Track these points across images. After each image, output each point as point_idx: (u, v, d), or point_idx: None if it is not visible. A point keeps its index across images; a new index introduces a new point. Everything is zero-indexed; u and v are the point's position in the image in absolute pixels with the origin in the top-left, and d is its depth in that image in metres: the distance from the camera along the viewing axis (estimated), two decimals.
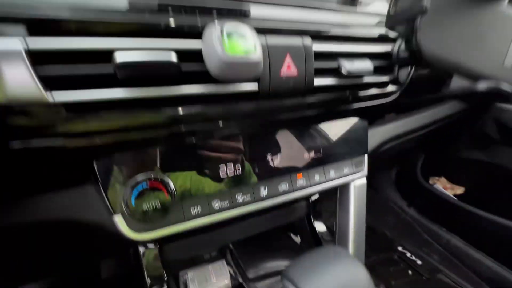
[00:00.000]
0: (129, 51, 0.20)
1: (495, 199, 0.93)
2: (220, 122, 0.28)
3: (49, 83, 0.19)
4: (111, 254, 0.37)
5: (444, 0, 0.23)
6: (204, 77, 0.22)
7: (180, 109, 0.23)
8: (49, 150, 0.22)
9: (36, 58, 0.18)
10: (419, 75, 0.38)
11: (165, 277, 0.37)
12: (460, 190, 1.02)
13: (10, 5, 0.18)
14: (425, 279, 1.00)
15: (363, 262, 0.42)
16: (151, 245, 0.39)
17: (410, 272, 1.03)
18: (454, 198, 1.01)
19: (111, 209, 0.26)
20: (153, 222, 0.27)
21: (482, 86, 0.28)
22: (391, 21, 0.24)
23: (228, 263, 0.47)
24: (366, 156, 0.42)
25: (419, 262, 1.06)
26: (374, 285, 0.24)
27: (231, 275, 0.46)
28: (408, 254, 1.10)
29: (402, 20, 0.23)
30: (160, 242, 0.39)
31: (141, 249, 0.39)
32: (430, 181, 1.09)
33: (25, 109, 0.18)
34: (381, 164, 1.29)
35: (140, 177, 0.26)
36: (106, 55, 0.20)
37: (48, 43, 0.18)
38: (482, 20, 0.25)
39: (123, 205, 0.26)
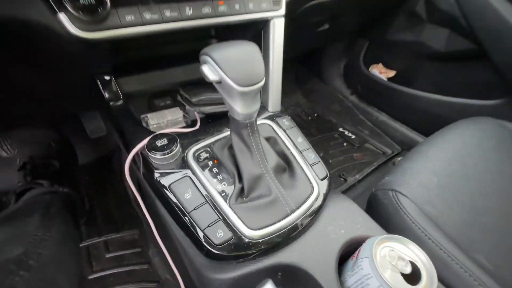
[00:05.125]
0: None
1: (419, 76, 1.11)
2: None
3: None
4: (68, 66, 0.42)
5: None
6: None
7: None
8: None
9: None
10: None
11: (120, 94, 0.46)
12: (392, 73, 1.18)
13: None
14: (356, 147, 1.26)
15: (280, 91, 0.55)
16: (107, 77, 0.47)
17: (345, 144, 1.29)
18: (385, 80, 1.17)
19: (54, 6, 0.32)
20: (96, 22, 0.34)
21: None
22: None
23: (181, 107, 0.58)
24: None
25: (353, 136, 1.31)
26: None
27: (183, 112, 0.57)
28: (346, 132, 1.34)
29: None
30: (114, 75, 0.47)
31: (99, 81, 0.47)
32: (370, 68, 1.24)
33: None
34: (332, 58, 1.39)
35: None
36: None
37: None
38: None
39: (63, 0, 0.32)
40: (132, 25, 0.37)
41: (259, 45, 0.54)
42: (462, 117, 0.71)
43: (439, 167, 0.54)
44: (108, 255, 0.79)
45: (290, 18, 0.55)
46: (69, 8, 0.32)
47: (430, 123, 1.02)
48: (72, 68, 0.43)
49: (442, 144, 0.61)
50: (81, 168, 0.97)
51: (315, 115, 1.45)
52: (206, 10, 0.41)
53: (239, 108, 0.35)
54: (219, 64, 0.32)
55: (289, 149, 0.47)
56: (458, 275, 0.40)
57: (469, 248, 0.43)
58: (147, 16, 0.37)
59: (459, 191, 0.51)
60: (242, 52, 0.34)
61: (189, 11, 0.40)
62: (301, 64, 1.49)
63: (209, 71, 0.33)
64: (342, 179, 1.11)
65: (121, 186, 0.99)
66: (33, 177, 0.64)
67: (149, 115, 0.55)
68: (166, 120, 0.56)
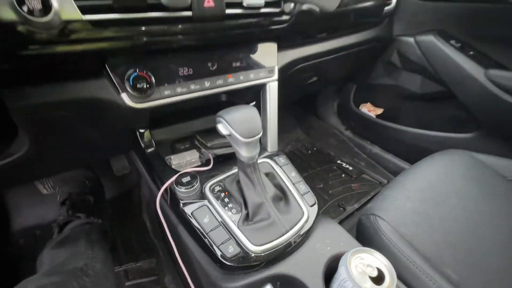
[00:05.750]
0: None
1: (403, 113, 1.25)
2: (180, 36, 0.48)
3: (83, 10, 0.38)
4: (121, 125, 0.58)
5: None
6: (162, 8, 0.42)
7: (154, 27, 0.43)
8: (77, 53, 0.41)
9: None
10: (303, 11, 0.59)
11: (154, 145, 0.61)
12: (379, 110, 1.33)
13: None
14: (353, 178, 1.36)
15: (276, 135, 0.69)
16: (144, 130, 0.62)
17: (343, 175, 1.39)
18: (374, 117, 1.32)
19: (119, 89, 0.48)
20: (144, 98, 0.49)
21: (304, 7, 0.50)
22: None
23: (197, 149, 0.72)
24: (276, 67, 0.65)
25: (350, 168, 1.42)
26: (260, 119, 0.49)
27: (199, 154, 0.71)
28: (344, 164, 1.45)
29: None
30: (149, 128, 0.62)
31: (138, 133, 0.62)
32: (360, 107, 1.39)
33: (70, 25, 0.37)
34: (326, 99, 1.56)
35: (133, 69, 0.47)
36: None
37: None
38: None
39: (126, 85, 0.47)
40: (168, 97, 0.52)
41: (259, 100, 0.70)
42: (442, 149, 0.82)
43: (413, 194, 0.65)
44: (128, 283, 0.87)
45: (283, 78, 0.72)
46: (129, 90, 0.48)
47: (416, 154, 1.13)
48: (122, 126, 0.58)
49: (417, 174, 0.72)
50: (106, 201, 1.10)
51: (314, 149, 1.58)
52: (219, 82, 0.57)
53: (243, 153, 0.48)
54: (229, 123, 0.46)
55: (284, 182, 0.59)
56: (426, 285, 0.48)
57: (438, 263, 0.52)
58: (179, 90, 0.53)
59: (430, 214, 0.60)
60: (245, 114, 0.48)
61: (207, 84, 0.56)
62: (299, 105, 1.67)
63: (223, 128, 0.47)
64: (342, 208, 1.19)
65: (139, 218, 1.10)
66: (73, 211, 0.76)
67: (172, 157, 0.69)
68: (185, 160, 0.69)
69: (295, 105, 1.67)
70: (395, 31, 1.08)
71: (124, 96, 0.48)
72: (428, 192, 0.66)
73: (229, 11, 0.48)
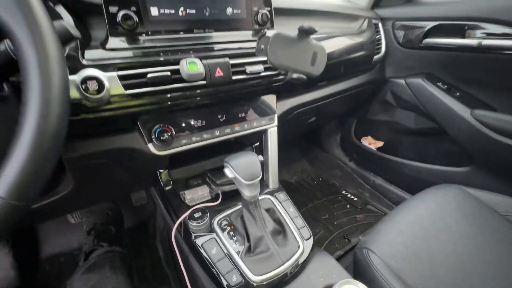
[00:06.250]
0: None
1: (402, 147, 1.32)
2: (198, 98, 0.61)
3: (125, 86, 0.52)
4: (153, 168, 0.70)
5: (278, 40, 0.56)
6: (183, 80, 0.55)
7: (177, 94, 0.56)
8: (117, 116, 0.54)
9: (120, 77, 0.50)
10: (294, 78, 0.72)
11: (172, 183, 0.71)
12: (380, 144, 1.40)
13: None
14: (358, 209, 1.40)
15: (277, 174, 0.78)
16: (163, 170, 0.73)
17: (348, 206, 1.43)
18: (375, 150, 1.39)
19: (146, 141, 0.59)
20: (166, 147, 0.61)
21: (294, 76, 0.62)
22: (257, 51, 0.57)
23: (207, 185, 0.82)
24: (276, 115, 0.76)
25: (355, 199, 1.46)
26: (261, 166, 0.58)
27: (209, 189, 0.80)
28: (349, 195, 1.49)
29: (260, 50, 0.56)
30: (168, 168, 0.73)
31: (158, 173, 0.73)
32: (361, 140, 1.47)
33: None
34: (329, 132, 1.66)
35: (158, 124, 0.59)
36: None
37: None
38: (298, 46, 0.58)
39: (152, 137, 0.59)
40: (185, 145, 0.64)
41: (262, 141, 0.80)
42: (440, 181, 0.87)
43: (404, 229, 0.70)
44: None
45: (282, 122, 0.82)
46: (154, 141, 0.59)
47: (417, 186, 1.17)
48: (147, 168, 0.70)
49: (409, 209, 0.77)
50: (125, 231, 1.19)
51: (320, 179, 1.64)
52: (227, 130, 0.68)
53: (246, 193, 0.57)
54: (234, 168, 0.56)
55: (283, 216, 0.67)
56: None
57: None
58: (194, 139, 0.64)
59: (419, 248, 0.65)
60: (247, 160, 0.58)
61: (217, 133, 0.67)
62: (304, 137, 1.77)
63: (229, 172, 0.57)
64: (346, 240, 1.22)
65: (153, 247, 1.17)
66: (98, 240, 0.86)
67: (186, 192, 0.78)
68: (197, 195, 0.79)
69: (300, 137, 1.77)
70: (387, 73, 1.20)
71: (150, 146, 0.60)
72: (419, 226, 0.71)
73: (235, 77, 0.61)
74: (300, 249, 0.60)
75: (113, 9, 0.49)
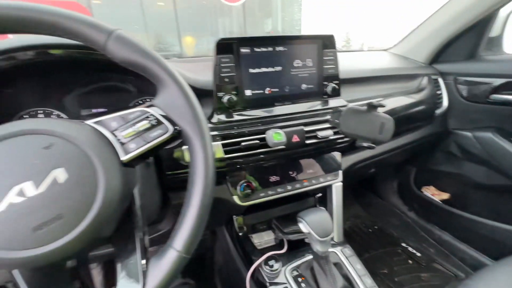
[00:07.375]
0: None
1: (473, 202, 1.22)
2: (276, 159, 0.72)
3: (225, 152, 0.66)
4: (230, 213, 0.82)
5: (350, 113, 0.65)
6: (268, 146, 0.67)
7: (261, 156, 0.68)
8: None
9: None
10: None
11: (245, 228, 0.81)
12: (446, 195, 1.31)
13: None
14: (423, 266, 1.29)
15: (342, 227, 0.82)
16: (237, 217, 0.83)
17: (410, 261, 1.33)
18: (440, 202, 1.30)
19: (232, 193, 0.71)
20: (248, 198, 0.71)
21: (364, 144, 0.69)
22: (330, 122, 0.68)
23: (273, 231, 0.89)
24: (340, 171, 0.83)
25: (418, 254, 1.35)
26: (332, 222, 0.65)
27: (274, 235, 0.88)
28: (410, 248, 1.39)
29: (334, 122, 0.66)
30: (242, 214, 0.84)
31: (234, 218, 0.84)
32: (423, 189, 1.40)
33: None
34: (385, 178, 1.61)
35: (243, 180, 0.71)
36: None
37: None
38: (367, 117, 0.67)
39: (237, 191, 0.71)
40: (263, 197, 0.74)
41: (325, 193, 0.86)
42: None
43: None
44: None
45: (345, 177, 0.88)
46: (238, 194, 0.71)
47: (496, 249, 1.05)
48: (228, 213, 0.81)
49: (489, 281, 0.72)
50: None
51: (375, 227, 1.57)
52: (297, 185, 0.77)
53: (319, 248, 0.63)
54: (309, 224, 0.63)
55: (351, 273, 0.69)
56: None
57: None
58: (269, 192, 0.74)
59: None
60: (320, 217, 0.65)
61: (289, 187, 0.76)
62: (357, 182, 1.75)
63: (303, 227, 0.64)
64: None
65: (211, 281, 1.24)
66: None
67: (253, 236, 0.87)
68: (263, 240, 0.86)
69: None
70: (450, 125, 1.18)
71: (235, 197, 0.71)
72: None
73: (308, 141, 0.71)
74: None
75: (220, 94, 0.66)
